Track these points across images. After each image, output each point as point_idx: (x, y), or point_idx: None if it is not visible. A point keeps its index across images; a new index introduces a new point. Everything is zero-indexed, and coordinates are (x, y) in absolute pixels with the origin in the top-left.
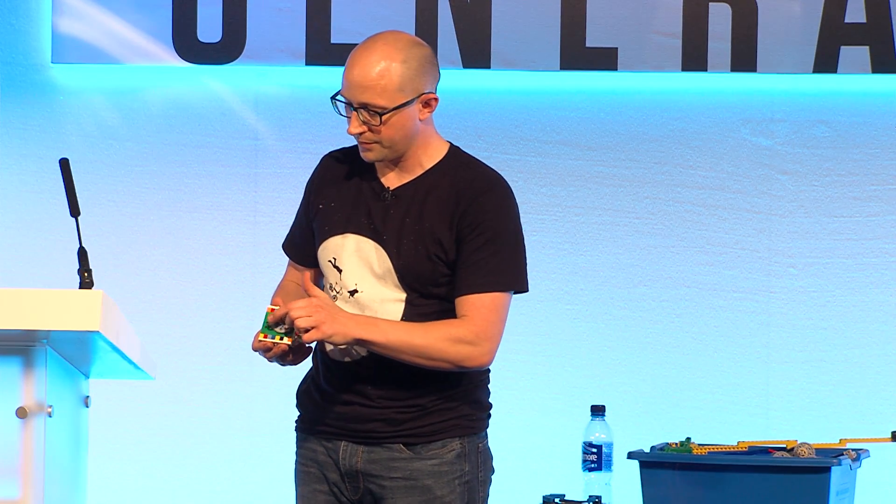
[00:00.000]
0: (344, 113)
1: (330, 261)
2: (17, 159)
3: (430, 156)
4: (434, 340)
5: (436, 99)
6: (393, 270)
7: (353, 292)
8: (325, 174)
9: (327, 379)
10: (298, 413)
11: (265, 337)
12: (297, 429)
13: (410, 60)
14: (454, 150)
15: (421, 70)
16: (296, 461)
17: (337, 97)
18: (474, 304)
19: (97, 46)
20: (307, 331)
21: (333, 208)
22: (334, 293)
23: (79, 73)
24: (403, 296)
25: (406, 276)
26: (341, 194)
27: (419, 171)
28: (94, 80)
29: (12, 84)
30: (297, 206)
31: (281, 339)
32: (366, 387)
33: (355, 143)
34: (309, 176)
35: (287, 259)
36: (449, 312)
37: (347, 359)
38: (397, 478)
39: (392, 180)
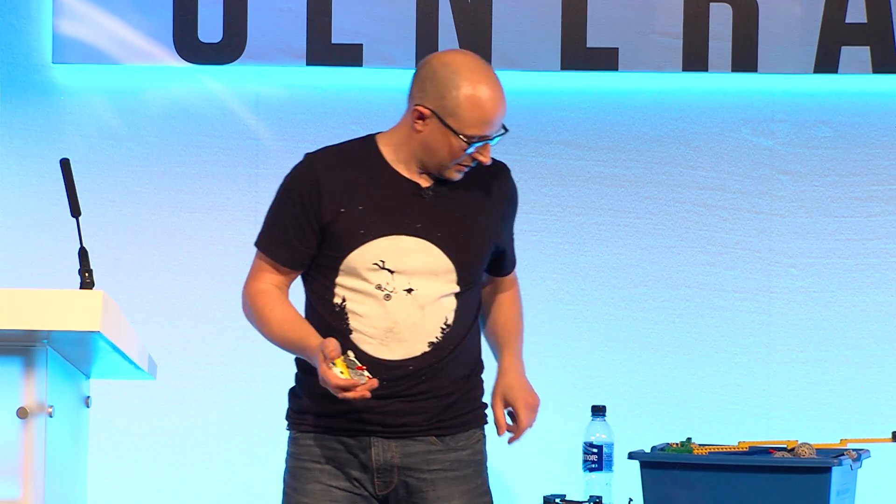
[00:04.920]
0: (468, 153)
1: (377, 263)
2: (17, 159)
3: None
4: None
5: None
6: (453, 268)
7: (409, 291)
8: (329, 176)
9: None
10: (304, 412)
11: (353, 378)
12: (301, 427)
13: None
14: None
15: None
16: (294, 458)
17: (474, 140)
18: (513, 278)
19: (98, 47)
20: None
21: (364, 211)
22: (384, 293)
23: (79, 74)
24: (456, 290)
25: (466, 271)
26: (371, 197)
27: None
28: (95, 81)
29: (13, 84)
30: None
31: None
32: (403, 383)
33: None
34: (293, 178)
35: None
36: (476, 297)
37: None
38: (437, 469)
39: (422, 180)
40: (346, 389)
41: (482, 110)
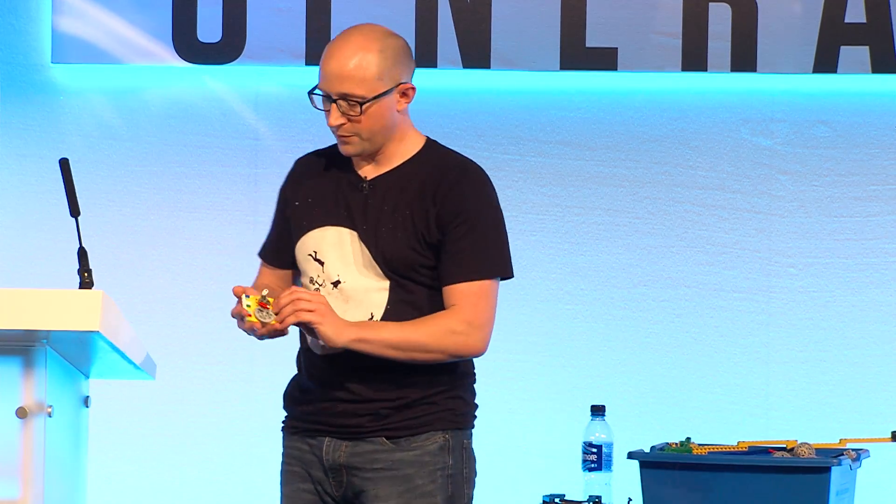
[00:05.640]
0: (321, 106)
1: (310, 254)
2: (17, 159)
3: (408, 147)
4: (428, 334)
5: (413, 89)
6: (373, 259)
7: (336, 283)
8: (299, 174)
9: (311, 376)
10: (285, 413)
11: (255, 317)
12: (283, 429)
13: (387, 50)
14: (431, 143)
15: (397, 60)
16: (282, 459)
17: (314, 91)
18: (462, 293)
19: (97, 46)
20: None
21: (311, 203)
22: (316, 286)
23: (79, 73)
24: (387, 283)
25: (387, 264)
26: (318, 190)
27: (397, 162)
28: (94, 80)
29: (12, 84)
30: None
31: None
32: (351, 383)
33: (330, 143)
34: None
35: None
36: (435, 300)
37: (323, 352)
38: (379, 468)
39: (369, 171)
40: (240, 319)
41: (322, 60)
